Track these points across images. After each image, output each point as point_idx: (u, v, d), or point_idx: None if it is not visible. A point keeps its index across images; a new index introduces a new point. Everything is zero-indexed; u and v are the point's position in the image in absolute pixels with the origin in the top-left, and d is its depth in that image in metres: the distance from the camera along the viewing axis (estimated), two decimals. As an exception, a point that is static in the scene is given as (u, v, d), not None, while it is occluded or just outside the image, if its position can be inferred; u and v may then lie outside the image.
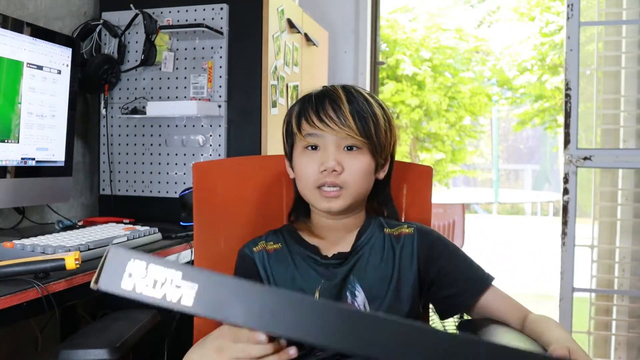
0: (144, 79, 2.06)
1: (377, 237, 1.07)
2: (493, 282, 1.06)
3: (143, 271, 0.53)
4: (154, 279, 0.53)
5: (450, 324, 2.49)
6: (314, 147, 1.02)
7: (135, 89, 2.06)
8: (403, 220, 1.22)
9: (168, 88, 2.04)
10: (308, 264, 1.05)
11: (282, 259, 1.06)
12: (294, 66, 2.29)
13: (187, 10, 2.00)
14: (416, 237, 1.07)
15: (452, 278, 1.05)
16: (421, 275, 1.05)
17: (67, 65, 1.69)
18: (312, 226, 1.10)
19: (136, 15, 1.99)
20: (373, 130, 1.01)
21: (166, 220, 1.86)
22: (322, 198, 1.02)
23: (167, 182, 2.05)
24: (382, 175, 1.09)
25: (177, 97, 2.03)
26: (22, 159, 1.58)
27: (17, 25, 1.50)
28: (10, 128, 1.53)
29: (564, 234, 2.21)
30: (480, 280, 1.05)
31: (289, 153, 1.09)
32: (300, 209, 1.13)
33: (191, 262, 1.47)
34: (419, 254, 1.06)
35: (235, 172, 1.28)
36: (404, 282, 1.04)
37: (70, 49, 1.69)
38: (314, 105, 1.02)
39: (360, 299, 1.06)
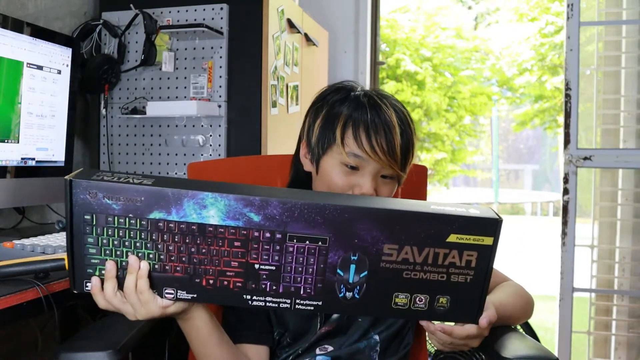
0: (144, 79, 2.05)
1: None
2: None
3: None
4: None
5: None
6: (353, 167, 1.00)
7: (135, 89, 2.06)
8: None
9: (168, 88, 2.04)
10: None
11: None
12: (294, 66, 2.28)
13: (187, 10, 2.00)
14: None
15: None
16: None
17: (67, 65, 1.69)
18: None
19: (136, 15, 1.99)
20: (410, 162, 1.02)
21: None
22: None
23: (167, 182, 2.05)
24: None
25: (177, 97, 2.03)
26: (22, 159, 1.58)
27: (17, 25, 1.50)
28: (10, 128, 1.53)
29: (564, 234, 2.21)
30: None
31: (318, 152, 1.03)
32: None
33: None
34: None
35: (231, 172, 1.28)
36: None
37: (70, 49, 1.69)
38: (367, 127, 0.98)
39: None
